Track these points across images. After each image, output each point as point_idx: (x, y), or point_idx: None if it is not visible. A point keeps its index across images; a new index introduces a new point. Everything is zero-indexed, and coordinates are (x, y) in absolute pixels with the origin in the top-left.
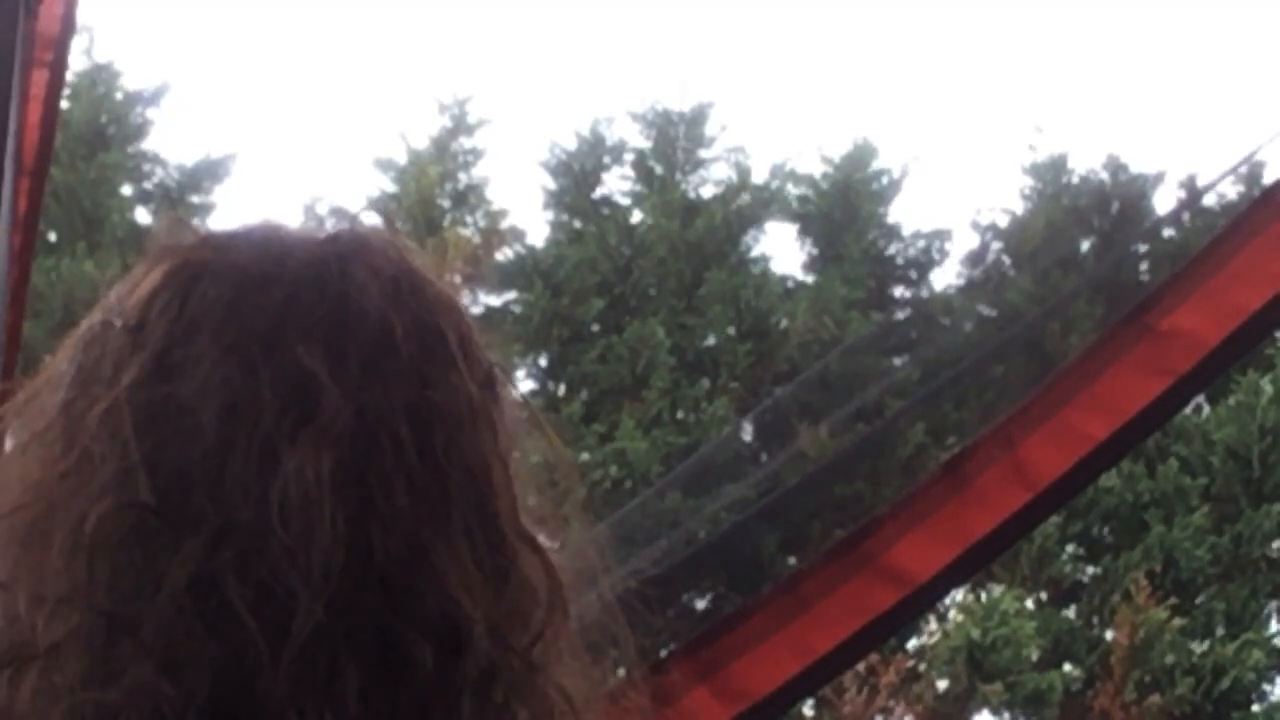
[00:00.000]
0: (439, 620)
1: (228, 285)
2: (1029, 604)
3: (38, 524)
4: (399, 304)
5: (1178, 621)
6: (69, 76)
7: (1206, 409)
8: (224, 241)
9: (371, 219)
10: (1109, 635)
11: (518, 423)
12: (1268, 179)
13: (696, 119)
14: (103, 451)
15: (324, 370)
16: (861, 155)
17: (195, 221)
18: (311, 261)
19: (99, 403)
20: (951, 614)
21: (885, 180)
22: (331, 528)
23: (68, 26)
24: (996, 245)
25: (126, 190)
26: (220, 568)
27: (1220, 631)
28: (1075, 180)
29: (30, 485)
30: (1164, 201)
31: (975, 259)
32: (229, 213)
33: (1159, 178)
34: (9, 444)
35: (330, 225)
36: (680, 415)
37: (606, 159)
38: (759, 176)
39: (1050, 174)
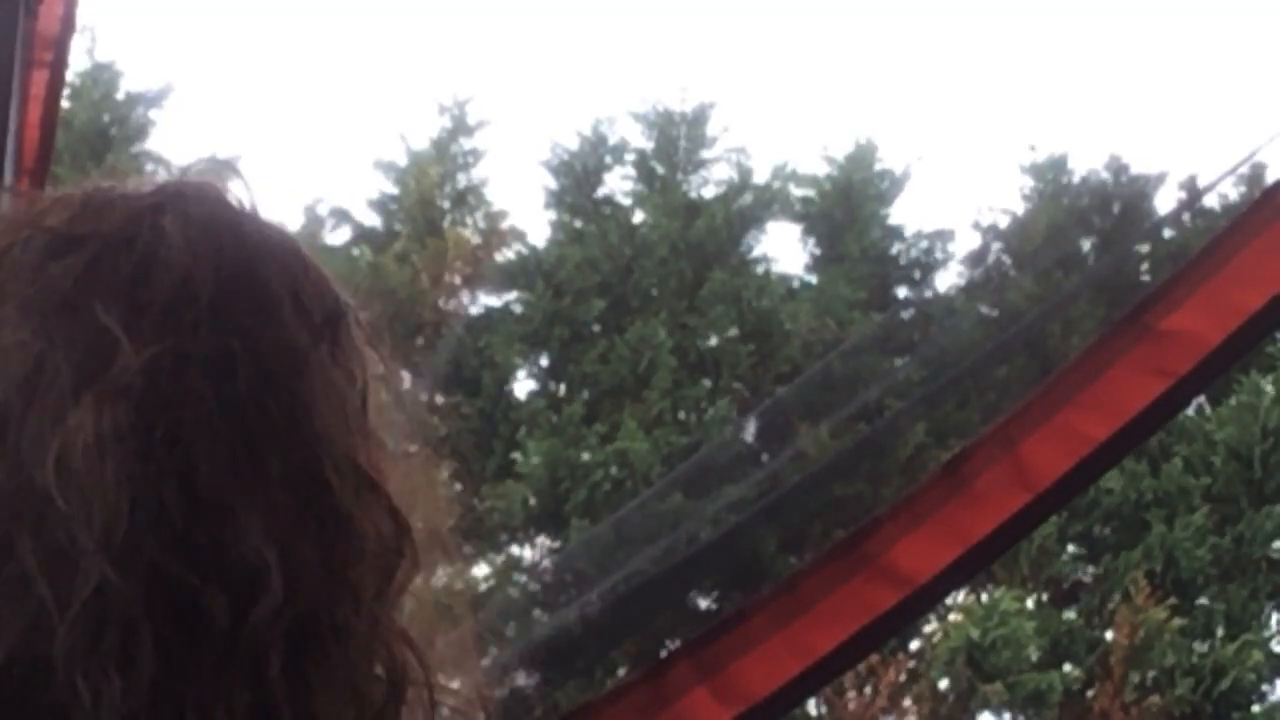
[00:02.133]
0: (238, 573)
1: (36, 250)
2: (1029, 604)
3: None
4: (210, 253)
5: (1177, 622)
6: (70, 76)
7: (1209, 409)
8: (42, 207)
9: (207, 169)
10: (1109, 635)
11: (374, 367)
12: (1268, 180)
13: (698, 119)
14: None
15: (119, 326)
16: (863, 155)
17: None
18: (125, 219)
19: None
20: (952, 614)
21: (887, 180)
22: (116, 484)
23: (68, 26)
24: (998, 245)
25: None
26: (13, 532)
27: (1220, 632)
28: (1076, 181)
29: None
30: (1165, 202)
31: (976, 259)
32: None
33: (1160, 178)
34: None
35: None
36: (682, 416)
37: (608, 159)
38: (761, 177)
39: (1051, 174)
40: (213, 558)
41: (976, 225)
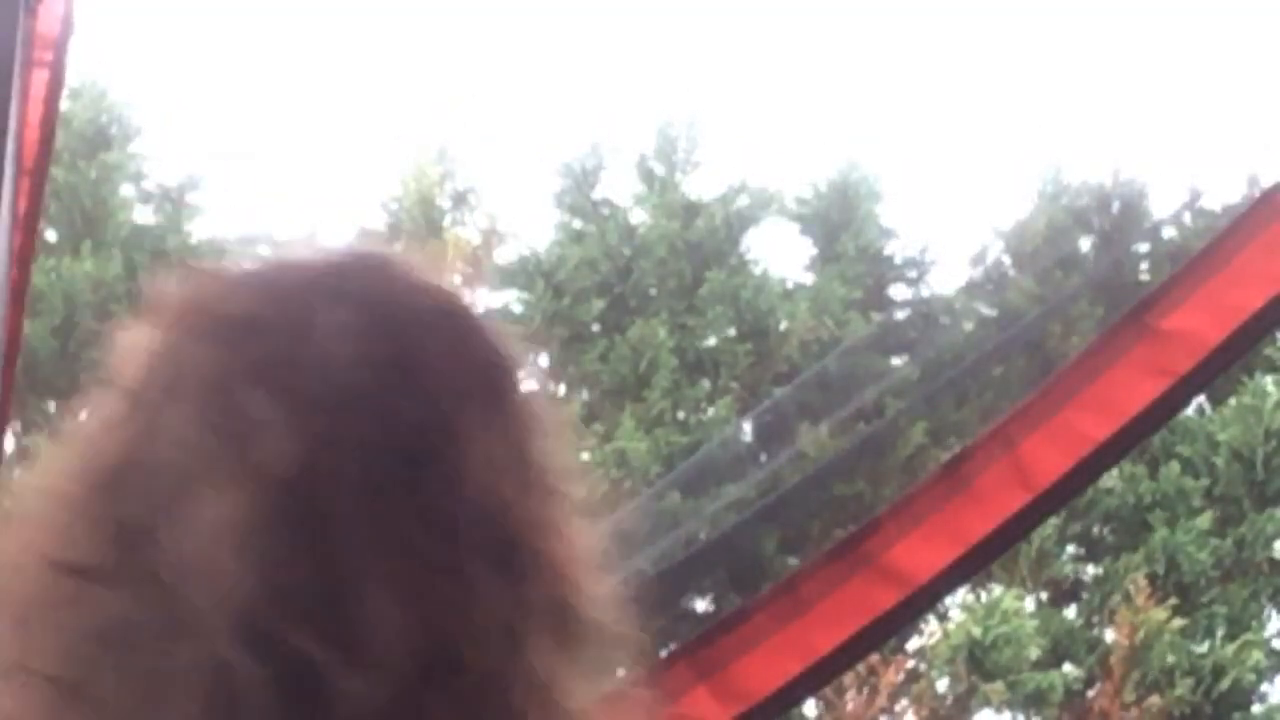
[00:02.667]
0: (369, 648)
1: (198, 338)
2: (1029, 604)
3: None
4: (363, 336)
5: (1178, 622)
6: (70, 76)
7: (1211, 410)
8: (204, 292)
9: (372, 233)
10: (1109, 635)
11: (533, 415)
12: (1267, 181)
13: (697, 119)
14: (76, 524)
15: (272, 413)
16: (861, 155)
17: (204, 265)
18: (280, 303)
19: (84, 473)
20: (952, 614)
21: (885, 180)
22: (258, 566)
23: (68, 26)
24: (997, 245)
25: (127, 190)
26: (148, 618)
27: (1220, 632)
28: (1076, 180)
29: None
30: (1164, 202)
31: (975, 259)
32: (229, 214)
33: (1159, 178)
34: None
35: (337, 241)
36: (681, 415)
37: (607, 159)
38: (759, 177)
39: (1051, 174)
40: (342, 634)
41: (975, 224)
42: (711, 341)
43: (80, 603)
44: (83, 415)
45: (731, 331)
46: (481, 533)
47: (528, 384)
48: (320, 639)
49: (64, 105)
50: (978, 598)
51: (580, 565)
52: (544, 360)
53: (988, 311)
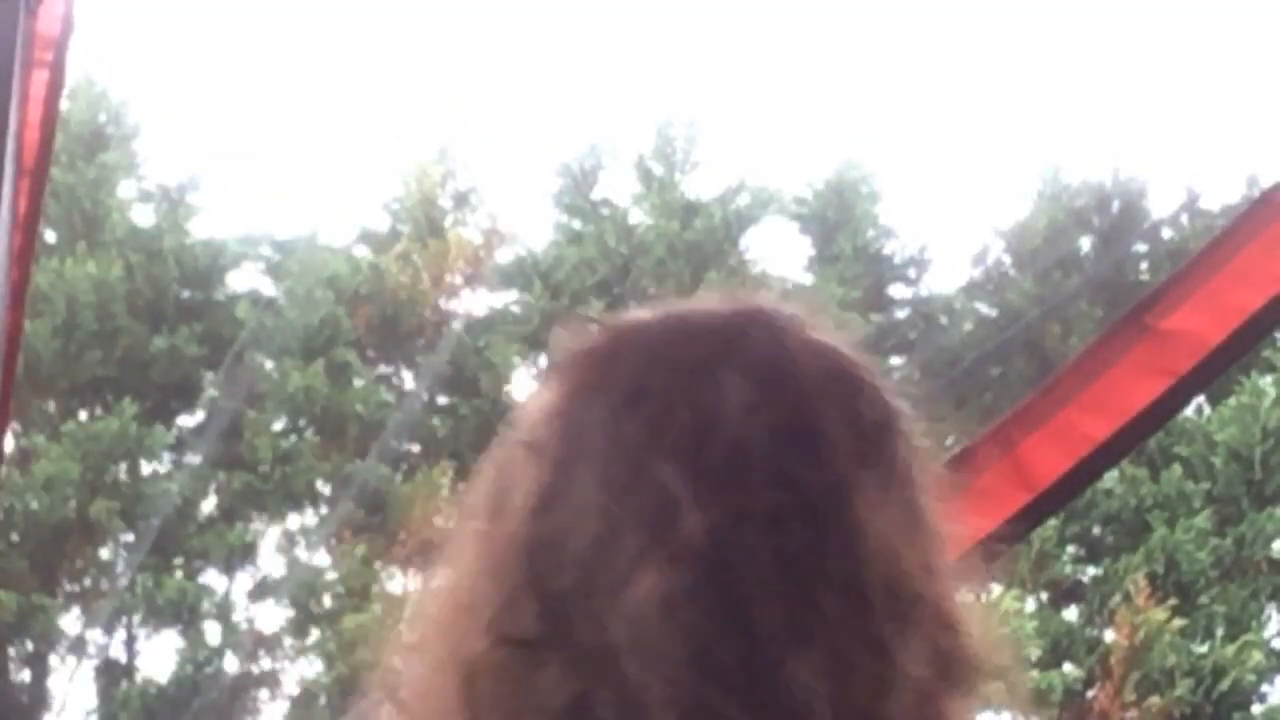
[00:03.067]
0: (790, 715)
1: (606, 405)
2: (1029, 604)
3: (437, 653)
4: (766, 409)
5: (1178, 623)
6: (69, 76)
7: (1209, 410)
8: (608, 353)
9: (768, 294)
10: (1109, 636)
11: (917, 468)
12: (1267, 181)
13: (696, 120)
14: (492, 584)
15: (682, 487)
16: (860, 155)
17: (592, 317)
18: (686, 374)
19: (502, 534)
20: None
21: (883, 179)
22: (682, 642)
23: (68, 26)
24: (997, 245)
25: (126, 190)
26: (591, 688)
27: (1220, 632)
28: (1075, 180)
29: (439, 610)
30: (1164, 202)
31: (975, 259)
32: (230, 215)
33: (1159, 178)
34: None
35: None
36: None
37: (606, 160)
38: (757, 177)
39: (1050, 174)
40: (768, 703)
41: (975, 224)
42: None
43: (520, 674)
44: (488, 465)
45: None
46: (886, 593)
47: (909, 436)
48: (752, 712)
49: (63, 106)
50: (978, 598)
51: (965, 610)
52: (542, 361)
53: (987, 311)
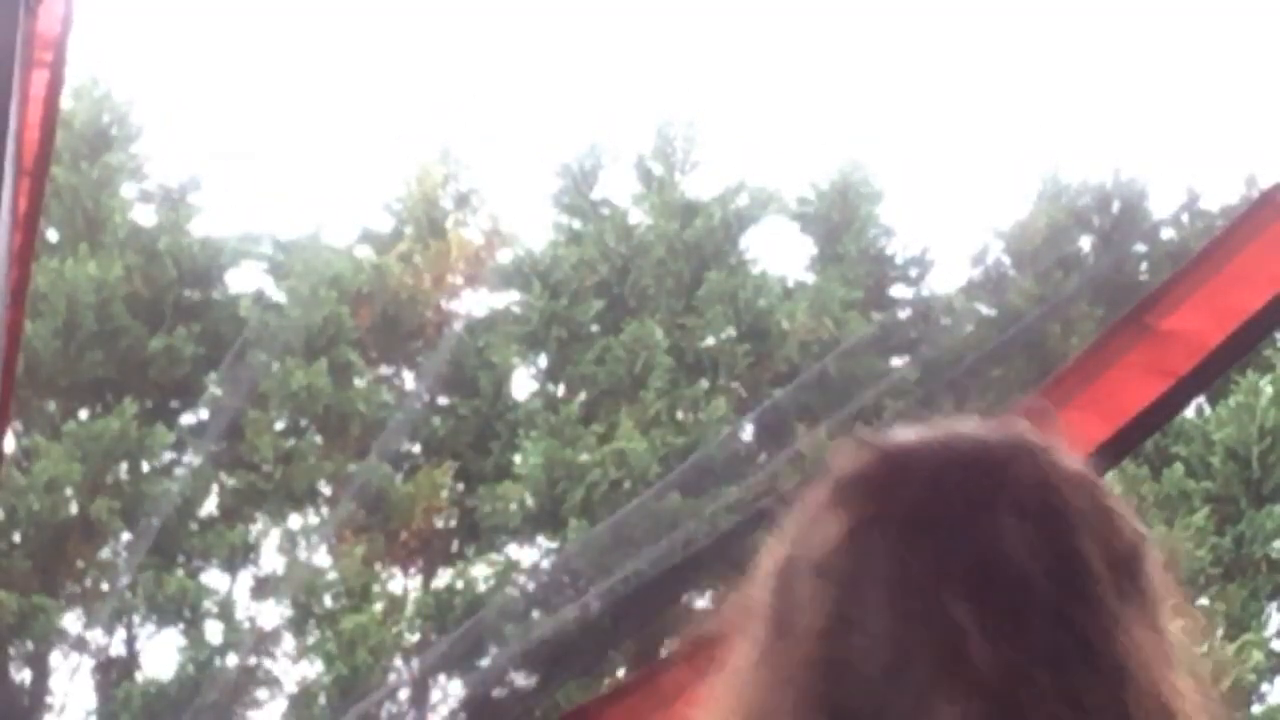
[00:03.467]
0: None
1: (891, 535)
2: None
3: None
4: (1042, 542)
5: (1177, 622)
6: (71, 76)
7: (1207, 410)
8: (885, 481)
9: (1020, 421)
10: None
11: (1162, 585)
12: (1266, 181)
13: (696, 119)
14: (786, 700)
15: (970, 622)
16: (861, 155)
17: (862, 438)
18: (967, 508)
19: (790, 652)
20: None
21: (885, 180)
22: None
23: (68, 26)
24: (997, 245)
25: (128, 191)
26: None
27: (1220, 632)
28: (1076, 180)
29: (732, 708)
30: (1164, 202)
31: (975, 259)
32: (232, 215)
33: (1159, 178)
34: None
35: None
36: (679, 416)
37: (605, 160)
38: (758, 176)
39: (1051, 174)
40: None
41: (975, 224)
42: (710, 342)
43: None
44: (761, 583)
45: (730, 332)
46: (1151, 716)
47: (1154, 559)
48: None
49: (65, 106)
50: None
51: (1200, 707)
52: (541, 361)
53: (988, 312)
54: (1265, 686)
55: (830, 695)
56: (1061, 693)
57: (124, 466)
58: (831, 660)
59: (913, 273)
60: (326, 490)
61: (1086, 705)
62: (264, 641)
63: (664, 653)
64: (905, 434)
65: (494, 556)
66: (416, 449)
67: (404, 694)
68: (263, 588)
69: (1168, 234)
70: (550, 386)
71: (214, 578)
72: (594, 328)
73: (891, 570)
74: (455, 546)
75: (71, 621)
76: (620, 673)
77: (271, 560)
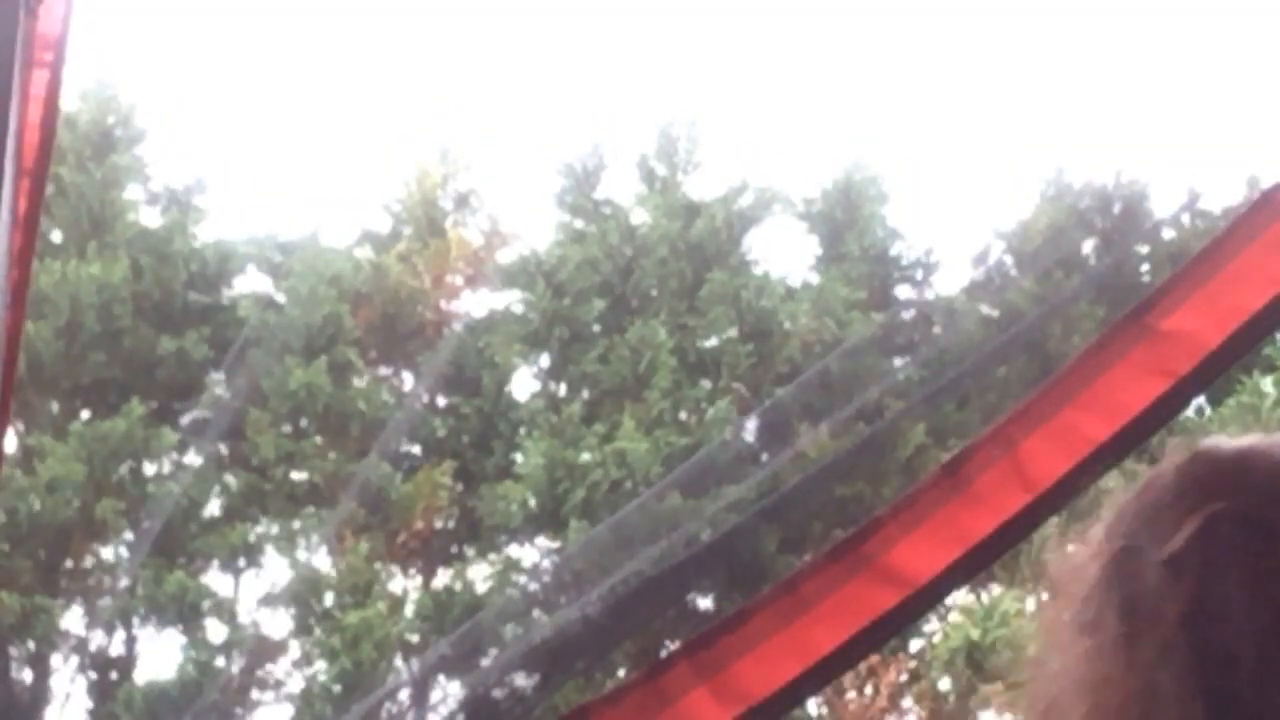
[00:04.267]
0: None
1: (1244, 528)
2: (1029, 604)
3: None
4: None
5: None
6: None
7: (1209, 410)
8: (1237, 478)
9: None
10: None
11: None
12: (1267, 181)
13: (698, 119)
14: (1161, 681)
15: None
16: (864, 155)
17: (1199, 441)
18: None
19: (1147, 636)
20: (952, 614)
21: (888, 181)
22: None
23: (68, 26)
24: (999, 245)
25: (134, 192)
26: None
27: None
28: (1078, 181)
29: (1083, 688)
30: (1165, 203)
31: (977, 259)
32: (232, 215)
33: (1160, 179)
34: (1056, 654)
35: None
36: (681, 416)
37: (608, 159)
38: (761, 177)
39: (1053, 175)
40: None
41: (977, 225)
42: (713, 342)
43: None
44: (1077, 566)
45: (733, 332)
46: None
47: None
48: None
49: (71, 108)
50: (978, 598)
51: None
52: (543, 361)
53: (989, 312)
54: None
55: (1207, 678)
56: None
57: (128, 467)
58: (1198, 645)
59: (916, 273)
60: (327, 489)
61: None
62: (265, 641)
63: (664, 653)
64: (1237, 438)
65: (494, 556)
66: (416, 449)
67: (404, 694)
68: (263, 587)
69: (1169, 234)
70: (552, 386)
71: (214, 577)
72: (596, 328)
73: (1247, 561)
74: (455, 547)
75: (72, 621)
76: (620, 673)
77: (272, 560)
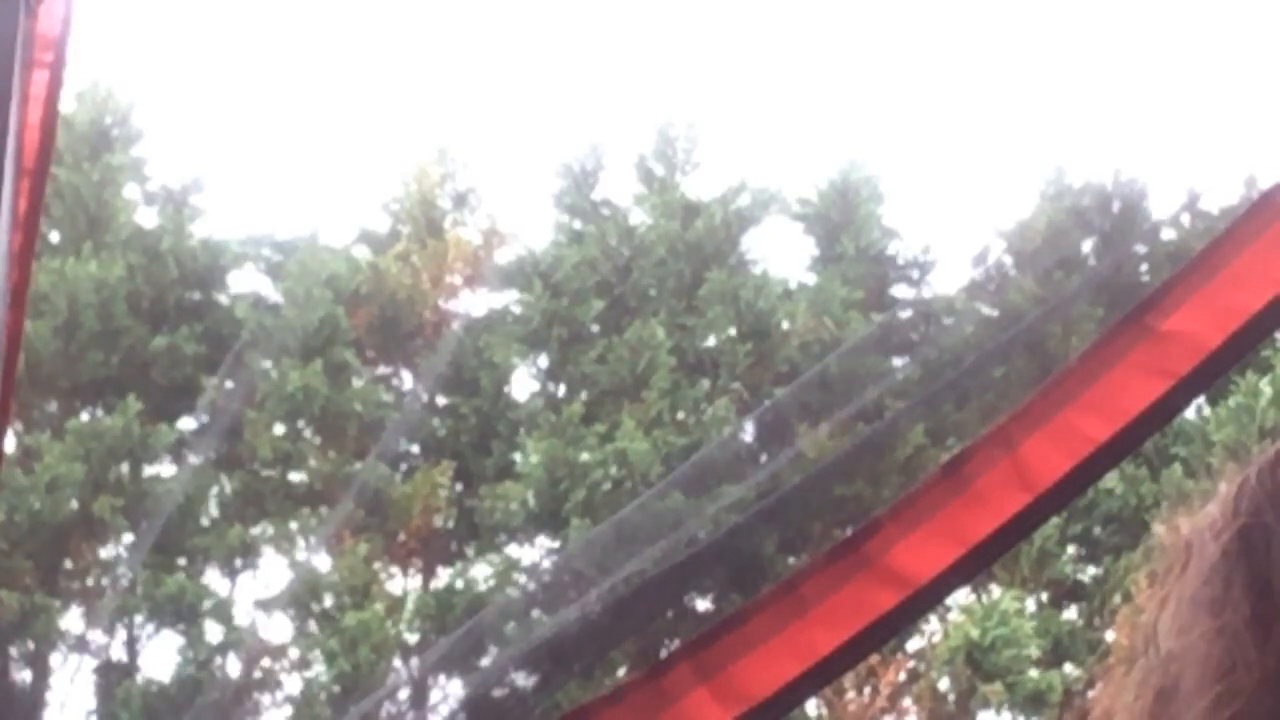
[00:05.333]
0: None
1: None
2: (1029, 604)
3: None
4: None
5: None
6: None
7: (1207, 410)
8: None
9: None
10: (1109, 635)
11: None
12: (1266, 181)
13: (697, 120)
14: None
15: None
16: (862, 155)
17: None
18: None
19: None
20: (952, 614)
21: (886, 180)
22: None
23: (67, 26)
24: (998, 245)
25: (131, 192)
26: None
27: None
28: (1077, 181)
29: (1208, 671)
30: (1164, 203)
31: (977, 259)
32: (230, 215)
33: (1159, 179)
34: (1171, 632)
35: None
36: (680, 416)
37: (606, 160)
38: (759, 177)
39: (1052, 175)
40: None
41: (977, 225)
42: (711, 342)
43: None
44: (1193, 539)
45: (731, 332)
46: None
47: None
48: None
49: (68, 108)
50: (978, 599)
51: None
52: (543, 361)
53: (989, 312)
54: None
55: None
56: None
57: (125, 466)
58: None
59: (914, 273)
60: (325, 490)
61: None
62: (264, 642)
63: (664, 653)
64: None
65: (494, 556)
66: (416, 449)
67: (404, 694)
68: (262, 588)
69: (1168, 235)
70: (551, 386)
71: (213, 578)
72: (595, 328)
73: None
74: (455, 546)
75: (72, 621)
76: (620, 673)
77: (271, 560)
